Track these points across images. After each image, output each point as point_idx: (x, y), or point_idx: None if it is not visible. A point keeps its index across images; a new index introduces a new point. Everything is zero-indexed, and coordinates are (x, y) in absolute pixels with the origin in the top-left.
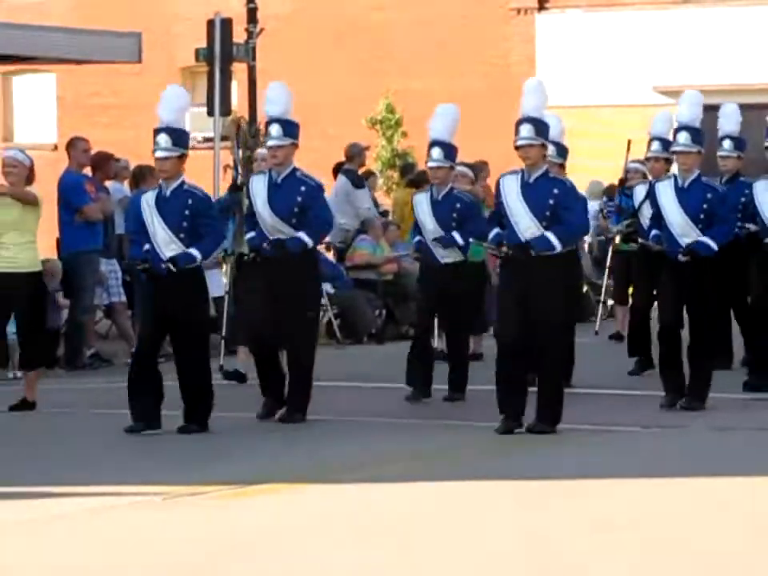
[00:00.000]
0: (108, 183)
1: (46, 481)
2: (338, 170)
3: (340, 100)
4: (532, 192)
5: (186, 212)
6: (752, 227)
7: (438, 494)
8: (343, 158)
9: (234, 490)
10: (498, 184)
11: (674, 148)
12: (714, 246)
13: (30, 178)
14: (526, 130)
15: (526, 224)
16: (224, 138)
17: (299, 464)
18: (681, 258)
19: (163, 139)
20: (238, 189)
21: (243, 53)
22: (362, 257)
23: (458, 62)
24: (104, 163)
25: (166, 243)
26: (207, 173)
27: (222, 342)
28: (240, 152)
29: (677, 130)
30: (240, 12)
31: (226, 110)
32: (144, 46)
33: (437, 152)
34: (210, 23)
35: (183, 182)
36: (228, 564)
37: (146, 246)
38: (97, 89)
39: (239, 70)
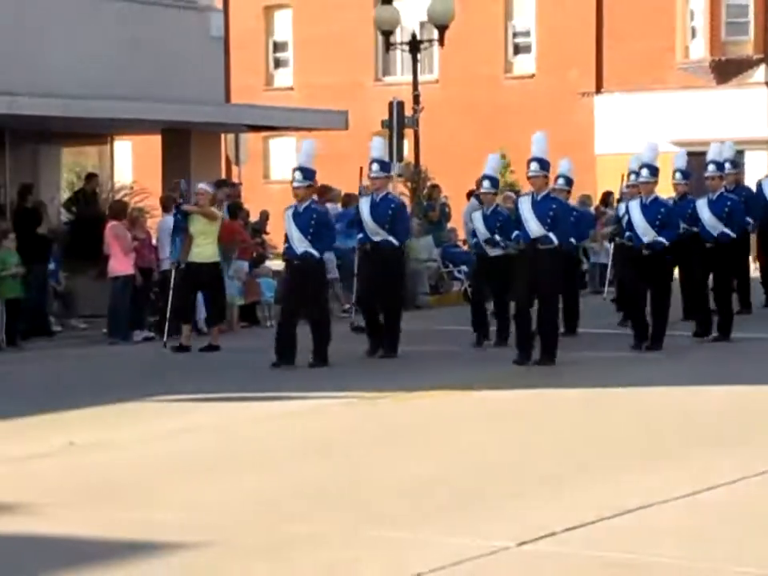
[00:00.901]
0: (328, 205)
1: (289, 388)
2: (470, 194)
3: (470, 149)
4: (539, 206)
5: (312, 222)
6: (694, 229)
7: (531, 396)
8: (474, 187)
9: (411, 393)
10: (516, 202)
11: (639, 180)
12: (665, 242)
13: (213, 201)
14: (534, 165)
15: (534, 227)
16: (399, 176)
17: (447, 378)
18: (644, 251)
19: (298, 175)
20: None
21: (411, 122)
22: None
23: (544, 126)
24: (326, 191)
25: (299, 241)
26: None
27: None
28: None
29: (640, 167)
30: (409, 97)
31: (400, 158)
32: (350, 118)
33: (486, 183)
34: (391, 104)
35: (311, 203)
36: (415, 437)
37: (286, 245)
38: (321, 145)
39: (408, 133)
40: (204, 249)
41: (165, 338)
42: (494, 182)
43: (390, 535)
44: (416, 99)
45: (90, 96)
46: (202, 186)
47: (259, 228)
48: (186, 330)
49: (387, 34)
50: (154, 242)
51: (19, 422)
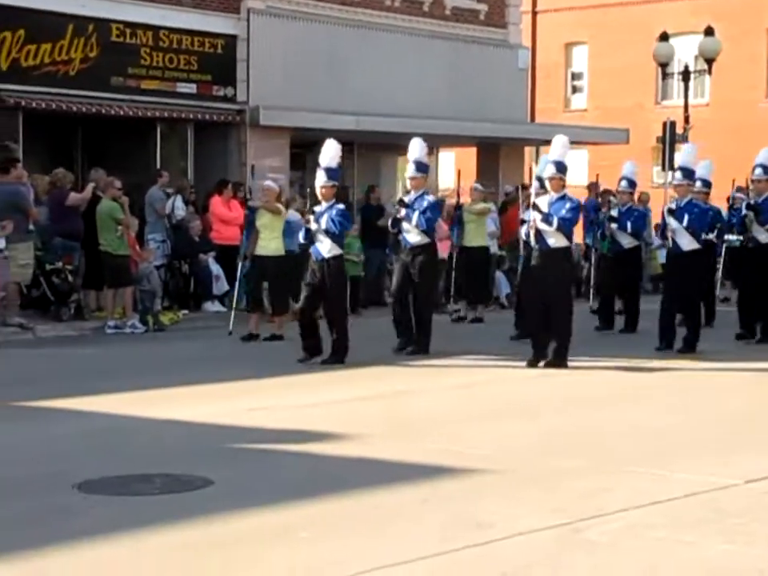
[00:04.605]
0: None
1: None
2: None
3: (732, 163)
4: (554, 205)
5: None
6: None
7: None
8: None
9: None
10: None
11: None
12: None
13: (278, 198)
14: (551, 168)
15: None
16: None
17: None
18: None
19: (322, 176)
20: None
21: (681, 139)
22: None
23: None
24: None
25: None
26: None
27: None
28: None
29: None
30: (681, 118)
31: (672, 167)
32: (632, 135)
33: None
34: (665, 123)
35: (335, 203)
36: (666, 396)
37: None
38: (610, 156)
39: (680, 148)
40: (269, 243)
41: (230, 326)
42: (688, 173)
43: (636, 470)
44: (686, 120)
45: (421, 116)
46: (267, 183)
47: None
48: (254, 318)
49: (664, 65)
50: None
51: (354, 371)
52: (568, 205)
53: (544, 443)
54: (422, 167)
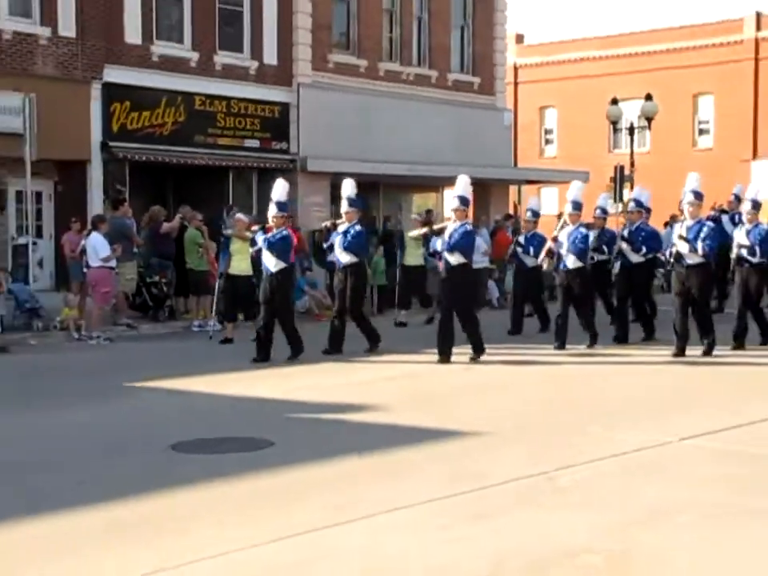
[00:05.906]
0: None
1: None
2: (666, 223)
3: (669, 197)
4: (457, 231)
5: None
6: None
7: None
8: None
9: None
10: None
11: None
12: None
13: (248, 227)
14: (456, 202)
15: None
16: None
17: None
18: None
19: (274, 208)
20: None
21: (628, 179)
22: None
23: (715, 186)
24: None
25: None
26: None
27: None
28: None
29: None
30: (628, 163)
31: (621, 200)
32: (591, 176)
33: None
34: (615, 167)
35: (282, 230)
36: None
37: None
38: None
39: (628, 186)
40: (239, 263)
41: (210, 332)
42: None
43: (595, 432)
44: (632, 164)
45: (429, 163)
46: (239, 215)
47: None
48: (229, 326)
49: (615, 123)
50: None
51: (375, 358)
52: (461, 230)
53: (526, 411)
54: (353, 203)
